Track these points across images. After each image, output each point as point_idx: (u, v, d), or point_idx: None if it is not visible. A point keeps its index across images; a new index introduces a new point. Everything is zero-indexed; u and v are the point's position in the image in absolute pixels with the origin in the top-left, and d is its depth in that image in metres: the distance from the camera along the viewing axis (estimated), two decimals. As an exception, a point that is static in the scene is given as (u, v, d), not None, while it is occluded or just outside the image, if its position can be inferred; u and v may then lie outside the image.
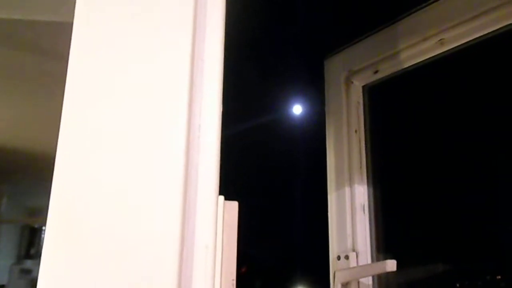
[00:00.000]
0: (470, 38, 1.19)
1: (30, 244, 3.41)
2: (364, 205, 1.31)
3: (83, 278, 0.45)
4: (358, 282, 1.22)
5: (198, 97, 0.52)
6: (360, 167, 1.34)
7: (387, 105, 1.45)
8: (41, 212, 3.48)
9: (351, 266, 1.23)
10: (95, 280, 0.45)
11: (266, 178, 1.76)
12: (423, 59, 1.28)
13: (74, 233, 0.46)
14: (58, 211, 0.47)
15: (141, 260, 0.46)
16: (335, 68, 1.44)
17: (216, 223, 0.50)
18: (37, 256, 3.37)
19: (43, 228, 3.47)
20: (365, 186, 1.33)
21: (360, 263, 1.24)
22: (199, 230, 0.49)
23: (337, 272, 1.23)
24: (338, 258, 1.26)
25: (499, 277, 1.33)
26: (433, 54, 1.25)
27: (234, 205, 0.53)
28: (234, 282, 0.51)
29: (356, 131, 1.37)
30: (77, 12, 0.53)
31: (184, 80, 0.51)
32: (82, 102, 0.50)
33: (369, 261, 1.25)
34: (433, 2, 1.23)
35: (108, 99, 0.50)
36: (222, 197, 0.52)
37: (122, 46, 0.51)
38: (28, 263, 3.31)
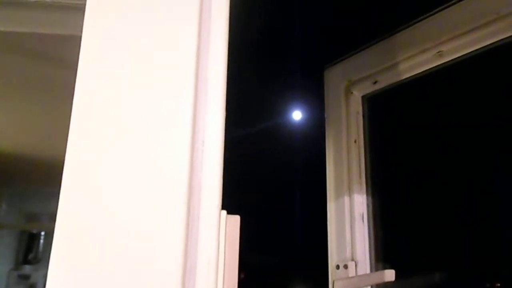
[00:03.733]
0: (468, 51, 1.21)
1: (29, 249, 3.40)
2: (363, 214, 1.32)
3: (87, 291, 0.46)
4: (357, 291, 1.23)
5: (202, 113, 0.53)
6: (360, 177, 1.35)
7: (386, 115, 1.47)
8: (40, 218, 3.47)
9: (350, 275, 1.23)
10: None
11: (266, 186, 1.77)
12: (422, 70, 1.29)
13: (78, 246, 0.47)
14: (64, 223, 0.48)
15: (146, 273, 0.46)
16: (335, 78, 1.46)
17: (219, 238, 0.50)
18: (35, 261, 3.36)
19: (42, 233, 3.46)
20: (364, 196, 1.34)
21: (359, 273, 1.24)
22: (202, 245, 0.50)
23: (336, 281, 1.23)
24: (337, 267, 1.26)
25: (498, 284, 1.34)
26: (431, 66, 1.27)
27: (236, 219, 0.54)
28: (236, 296, 0.52)
29: (355, 141, 1.38)
30: (85, 27, 0.54)
31: (189, 96, 0.52)
32: (89, 116, 0.51)
33: (368, 270, 1.26)
34: (431, 15, 1.25)
35: (114, 113, 0.51)
36: (224, 212, 0.53)
37: (128, 62, 0.53)
38: (27, 269, 3.30)
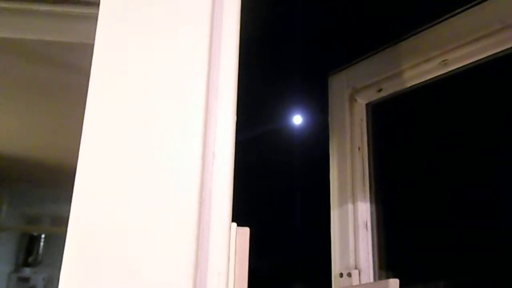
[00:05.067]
0: (473, 60, 1.21)
1: (29, 252, 3.39)
2: (366, 222, 1.32)
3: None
4: (360, 299, 1.23)
5: (212, 125, 0.53)
6: (363, 184, 1.35)
7: (390, 123, 1.47)
8: (40, 220, 3.47)
9: (353, 284, 1.23)
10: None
11: (268, 193, 1.77)
12: (426, 79, 1.29)
13: (88, 254, 0.47)
14: (75, 230, 0.48)
15: (155, 284, 0.46)
16: (339, 85, 1.46)
17: (229, 250, 0.50)
18: (35, 264, 3.36)
19: (42, 236, 3.46)
20: (368, 203, 1.34)
21: (363, 281, 1.24)
22: (212, 257, 0.50)
23: (340, 289, 1.23)
24: (341, 275, 1.26)
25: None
26: (436, 75, 1.27)
27: (246, 231, 0.54)
28: (246, 309, 0.52)
29: (359, 148, 1.38)
30: (98, 36, 0.54)
31: (199, 108, 0.52)
32: (100, 125, 0.51)
33: (372, 279, 1.26)
34: (436, 24, 1.25)
35: (125, 123, 0.51)
36: (234, 224, 0.53)
37: (140, 72, 0.53)
38: (27, 271, 3.30)
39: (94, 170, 0.49)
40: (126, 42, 0.54)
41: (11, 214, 3.30)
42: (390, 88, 1.36)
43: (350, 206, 1.33)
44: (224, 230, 0.50)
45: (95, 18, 0.55)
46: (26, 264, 3.36)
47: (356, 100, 1.43)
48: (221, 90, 0.55)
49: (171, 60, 0.54)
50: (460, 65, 1.23)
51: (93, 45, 0.54)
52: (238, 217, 0.55)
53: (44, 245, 3.43)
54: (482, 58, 1.20)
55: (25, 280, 3.26)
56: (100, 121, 0.51)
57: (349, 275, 1.24)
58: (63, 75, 1.24)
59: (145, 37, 0.54)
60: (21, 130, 2.10)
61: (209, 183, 0.52)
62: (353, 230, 1.30)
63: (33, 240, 3.42)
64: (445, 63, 1.24)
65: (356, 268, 1.26)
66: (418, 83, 1.31)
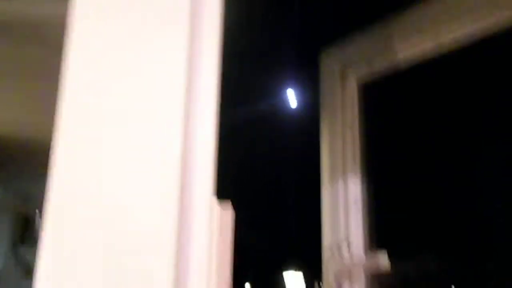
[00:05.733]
0: (465, 38, 1.20)
1: (25, 230, 3.41)
2: (357, 199, 1.33)
3: (79, 280, 0.46)
4: (350, 273, 1.25)
5: (195, 98, 0.53)
6: (354, 162, 1.35)
7: (381, 102, 1.46)
8: (35, 199, 3.47)
9: (344, 256, 1.25)
10: (91, 280, 0.46)
11: (260, 171, 1.77)
12: (419, 57, 1.28)
13: (69, 233, 0.47)
14: (54, 209, 0.48)
15: (138, 263, 0.47)
16: (331, 63, 1.45)
17: (211, 226, 0.50)
18: (31, 242, 3.38)
19: (38, 214, 3.47)
20: (359, 181, 1.35)
21: (353, 254, 1.26)
22: (194, 234, 0.50)
23: (330, 262, 1.25)
24: (331, 249, 1.28)
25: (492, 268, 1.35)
26: (428, 53, 1.26)
27: (229, 208, 0.54)
28: (229, 285, 0.53)
29: (350, 126, 1.38)
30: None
31: (181, 76, 0.52)
32: (81, 102, 0.51)
33: (361, 252, 1.28)
34: (429, 1, 1.23)
35: (105, 100, 0.51)
36: (217, 201, 0.53)
37: (121, 54, 0.52)
38: (23, 249, 3.32)
39: (73, 148, 0.49)
40: (104, 33, 0.53)
41: (6, 194, 3.30)
42: (382, 67, 1.35)
43: (341, 183, 1.34)
44: (206, 206, 0.50)
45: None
46: (22, 242, 3.38)
47: (347, 78, 1.42)
48: (204, 56, 0.54)
49: (152, 36, 0.53)
50: (452, 44, 1.22)
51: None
52: (231, 195, 0.55)
53: (40, 223, 3.44)
54: (477, 37, 1.19)
55: (22, 258, 3.28)
56: (81, 99, 0.50)
57: (339, 248, 1.26)
58: (53, 55, 1.22)
59: (126, 21, 0.53)
60: (14, 110, 2.08)
61: (192, 159, 0.51)
62: (343, 207, 1.31)
63: (28, 219, 3.43)
64: (437, 42, 1.23)
65: (346, 242, 1.27)
66: (410, 62, 1.29)
